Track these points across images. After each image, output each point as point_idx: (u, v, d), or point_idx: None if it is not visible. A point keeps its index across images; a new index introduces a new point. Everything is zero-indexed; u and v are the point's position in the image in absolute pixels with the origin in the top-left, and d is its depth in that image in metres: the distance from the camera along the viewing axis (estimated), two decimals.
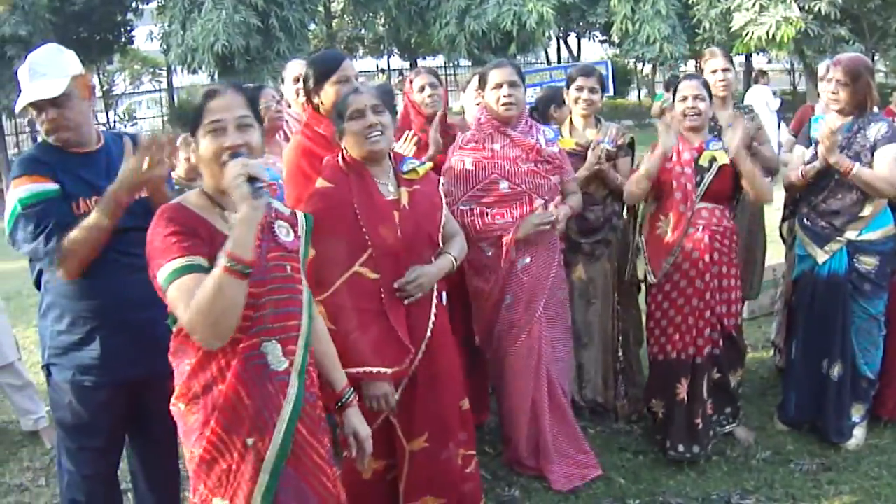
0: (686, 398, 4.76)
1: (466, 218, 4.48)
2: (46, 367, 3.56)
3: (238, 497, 2.69)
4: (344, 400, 3.05)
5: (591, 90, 5.18)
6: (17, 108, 3.40)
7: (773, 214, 9.50)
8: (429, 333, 3.61)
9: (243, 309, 2.57)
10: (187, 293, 2.50)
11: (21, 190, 3.27)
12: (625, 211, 5.35)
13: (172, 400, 2.76)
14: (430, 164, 3.85)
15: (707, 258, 4.71)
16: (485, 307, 4.66)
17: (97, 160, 3.42)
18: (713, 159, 4.71)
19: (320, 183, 3.60)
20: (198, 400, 2.69)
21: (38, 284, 3.59)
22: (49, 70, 3.31)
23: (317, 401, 2.90)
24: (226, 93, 2.77)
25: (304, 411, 2.78)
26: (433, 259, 3.69)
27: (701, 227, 4.73)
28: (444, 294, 3.80)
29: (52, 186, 3.29)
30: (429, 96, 5.06)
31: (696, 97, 4.71)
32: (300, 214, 3.04)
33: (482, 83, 4.69)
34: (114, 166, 3.32)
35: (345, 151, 3.63)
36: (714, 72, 5.45)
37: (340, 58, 4.16)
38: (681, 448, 4.76)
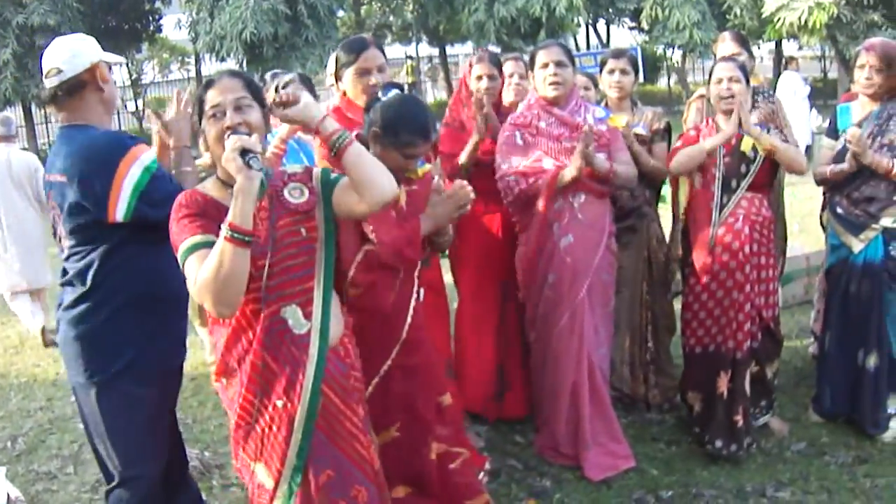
0: (726, 393, 4.67)
1: (513, 187, 4.54)
2: None
3: (273, 460, 2.86)
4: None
5: (622, 72, 5.18)
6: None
7: (801, 203, 9.47)
8: (406, 329, 3.56)
9: (262, 279, 2.78)
10: (199, 266, 2.66)
11: None
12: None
13: (214, 377, 2.99)
14: (429, 167, 3.74)
15: (747, 249, 4.63)
16: (532, 283, 4.69)
17: None
18: (754, 147, 4.60)
19: None
20: (234, 372, 2.89)
21: None
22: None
23: (349, 371, 3.02)
24: (221, 80, 2.90)
25: (333, 378, 2.92)
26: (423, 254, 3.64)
27: (741, 218, 4.65)
28: (421, 290, 3.73)
29: None
30: (486, 89, 4.90)
31: (730, 79, 4.60)
32: (315, 169, 3.07)
33: (531, 64, 4.72)
34: None
35: None
36: (724, 58, 5.31)
37: (361, 47, 3.92)
38: (718, 444, 4.67)
